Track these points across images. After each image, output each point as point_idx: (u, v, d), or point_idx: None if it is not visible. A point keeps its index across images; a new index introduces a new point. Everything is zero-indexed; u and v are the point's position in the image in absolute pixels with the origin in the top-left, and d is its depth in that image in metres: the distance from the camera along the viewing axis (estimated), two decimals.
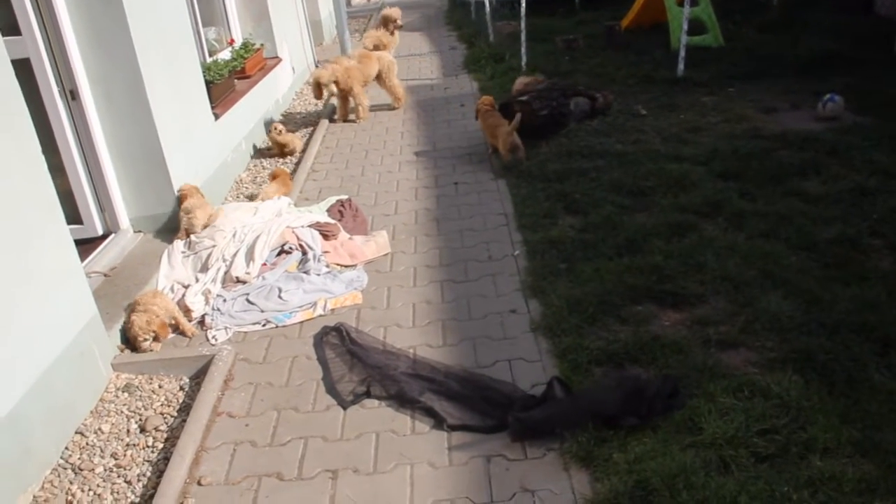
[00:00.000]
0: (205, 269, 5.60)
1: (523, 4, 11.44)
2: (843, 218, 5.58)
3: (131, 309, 4.87)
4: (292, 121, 10.28)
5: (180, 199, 6.13)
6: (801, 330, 4.25)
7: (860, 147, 6.96)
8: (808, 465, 3.27)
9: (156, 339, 4.81)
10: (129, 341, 4.80)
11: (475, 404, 3.93)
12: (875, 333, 4.13)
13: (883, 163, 6.55)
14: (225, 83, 8.12)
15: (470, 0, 17.58)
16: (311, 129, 9.71)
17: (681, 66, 10.20)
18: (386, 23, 11.31)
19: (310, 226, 6.05)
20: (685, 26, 10.15)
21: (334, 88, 9.41)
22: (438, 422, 3.87)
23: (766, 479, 3.19)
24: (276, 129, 8.58)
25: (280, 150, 8.71)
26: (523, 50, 11.58)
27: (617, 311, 4.61)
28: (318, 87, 9.53)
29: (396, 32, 11.73)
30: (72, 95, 5.56)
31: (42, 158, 4.19)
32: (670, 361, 4.07)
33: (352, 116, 9.99)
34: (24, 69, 4.92)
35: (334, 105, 10.24)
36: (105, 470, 3.81)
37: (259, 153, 8.91)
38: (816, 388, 3.72)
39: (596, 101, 8.62)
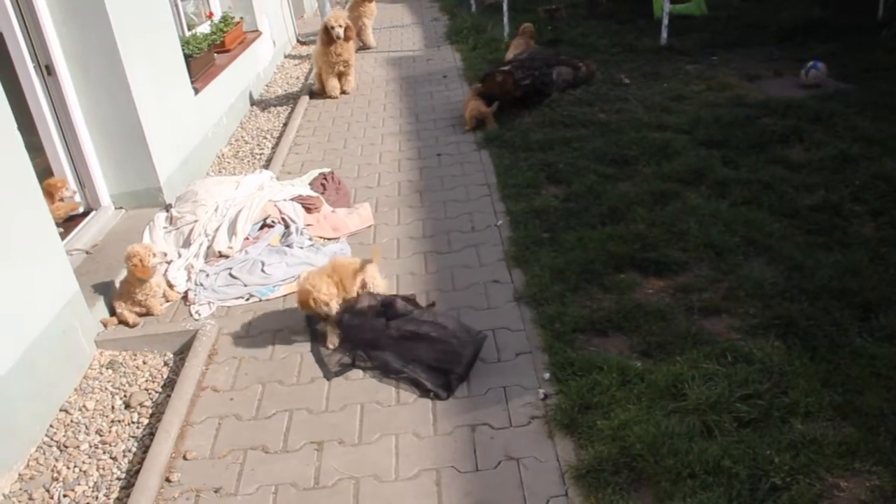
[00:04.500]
0: (187, 243, 5.56)
1: None
2: (826, 185, 5.59)
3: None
4: (273, 95, 10.18)
5: None
6: (783, 296, 4.27)
7: (843, 114, 6.96)
8: (789, 428, 3.31)
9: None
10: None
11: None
12: (856, 299, 4.17)
13: (865, 129, 6.56)
14: (204, 57, 8.03)
15: None
16: (293, 103, 9.61)
17: (664, 35, 10.17)
18: None
19: (292, 199, 6.01)
20: None
21: (340, 32, 9.28)
22: (424, 391, 3.89)
23: (749, 443, 3.22)
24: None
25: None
26: (505, 20, 11.53)
27: (600, 280, 4.62)
28: (328, 32, 9.37)
29: (373, 3, 11.69)
30: (47, 70, 5.48)
31: (18, 135, 4.12)
32: (653, 328, 4.09)
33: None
34: None
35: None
36: (90, 447, 3.81)
37: None
38: (798, 354, 3.75)
39: (579, 70, 8.57)
